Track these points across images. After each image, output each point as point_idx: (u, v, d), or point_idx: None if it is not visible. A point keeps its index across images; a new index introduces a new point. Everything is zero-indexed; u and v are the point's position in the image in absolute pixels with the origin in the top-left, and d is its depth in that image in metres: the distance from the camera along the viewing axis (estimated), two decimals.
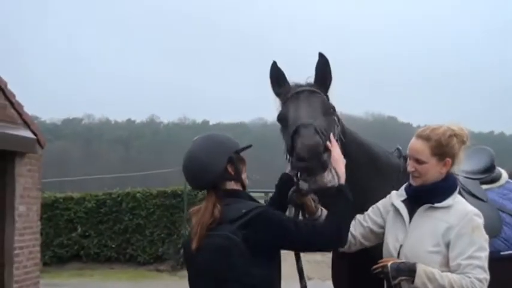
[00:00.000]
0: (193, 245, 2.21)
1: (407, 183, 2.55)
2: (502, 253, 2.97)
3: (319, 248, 2.29)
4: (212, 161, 2.28)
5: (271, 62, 2.55)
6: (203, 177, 2.30)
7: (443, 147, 2.40)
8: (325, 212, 2.47)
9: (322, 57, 2.50)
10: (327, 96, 2.55)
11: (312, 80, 2.56)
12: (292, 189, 2.39)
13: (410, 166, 2.42)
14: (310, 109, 2.40)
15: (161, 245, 11.33)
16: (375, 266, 2.33)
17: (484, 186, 3.35)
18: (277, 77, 2.57)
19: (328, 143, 2.31)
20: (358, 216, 2.60)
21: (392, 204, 2.52)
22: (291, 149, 2.32)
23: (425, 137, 2.42)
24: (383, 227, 2.53)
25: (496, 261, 2.87)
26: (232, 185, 2.33)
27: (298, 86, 2.53)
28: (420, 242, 2.33)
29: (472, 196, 3.15)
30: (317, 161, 2.17)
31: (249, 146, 2.46)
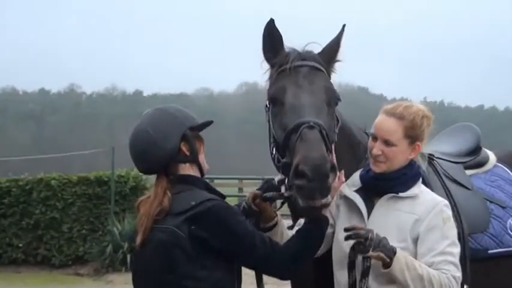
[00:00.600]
0: (138, 240, 2.24)
1: (361, 169, 2.56)
2: (489, 251, 3.00)
3: (266, 273, 2.30)
4: (162, 138, 2.29)
5: (268, 20, 2.46)
6: (151, 158, 2.30)
7: (416, 129, 2.43)
8: (283, 222, 2.48)
9: (342, 31, 2.52)
10: (330, 76, 2.54)
11: (309, 48, 2.54)
12: (270, 194, 2.36)
13: (377, 149, 2.41)
14: (315, 97, 2.35)
15: (82, 244, 11.13)
16: (349, 226, 2.28)
17: (469, 172, 3.40)
18: (272, 40, 2.50)
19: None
20: (302, 221, 2.56)
21: (343, 196, 2.52)
22: (282, 149, 2.29)
23: (398, 115, 2.42)
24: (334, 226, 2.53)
25: (482, 261, 2.92)
26: (186, 169, 2.34)
27: (298, 55, 2.47)
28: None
29: (455, 183, 3.19)
30: (323, 182, 2.11)
31: (210, 122, 2.45)
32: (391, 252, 2.22)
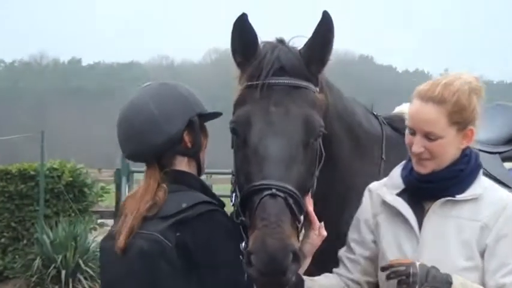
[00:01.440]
0: (120, 242, 2.30)
1: (401, 167, 2.57)
2: None
3: None
4: (166, 120, 2.37)
5: (239, 15, 2.44)
6: (148, 141, 2.36)
7: (464, 112, 2.41)
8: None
9: (326, 19, 2.45)
10: (317, 81, 2.51)
11: (296, 43, 2.54)
12: None
13: (417, 145, 2.40)
14: (287, 141, 2.34)
15: (1, 256, 11.04)
16: (391, 262, 2.30)
17: (508, 164, 3.43)
18: (243, 40, 2.48)
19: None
20: (342, 253, 2.64)
21: (384, 202, 2.52)
22: (242, 204, 2.32)
23: (437, 99, 2.39)
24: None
25: None
26: (184, 165, 2.43)
27: (273, 65, 2.43)
28: (445, 254, 2.34)
29: (491, 179, 3.20)
30: (278, 278, 2.15)
31: (219, 114, 2.56)
32: (445, 284, 2.22)
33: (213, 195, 2.44)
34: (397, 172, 2.58)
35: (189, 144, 2.43)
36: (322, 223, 2.47)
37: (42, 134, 11.31)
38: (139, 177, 15.55)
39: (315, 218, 2.42)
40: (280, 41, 2.55)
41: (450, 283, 2.22)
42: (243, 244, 2.32)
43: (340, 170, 2.70)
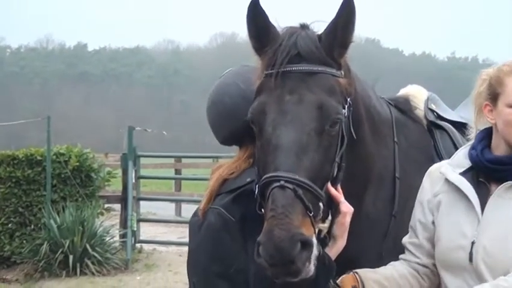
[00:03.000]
0: (201, 206, 2.43)
1: (469, 147, 2.59)
2: None
3: None
4: (254, 92, 2.43)
5: (249, 5, 2.42)
6: (243, 115, 2.42)
7: None
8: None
9: (348, 1, 2.42)
10: (339, 66, 2.49)
11: (318, 27, 2.50)
12: None
13: None
14: (299, 129, 2.33)
15: (8, 242, 11.09)
16: None
17: None
18: (257, 27, 2.47)
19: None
20: (405, 239, 2.67)
21: (446, 180, 2.55)
22: (261, 194, 2.33)
23: None
24: None
25: None
26: None
27: (289, 52, 2.41)
28: (506, 237, 2.33)
29: None
30: (287, 268, 2.16)
31: None
32: None
33: None
34: (463, 151, 2.61)
35: None
36: (342, 198, 2.46)
37: (49, 119, 11.26)
38: (146, 161, 15.63)
39: (339, 196, 2.40)
40: (303, 26, 2.52)
41: None
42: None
43: (361, 152, 2.69)
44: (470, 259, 2.38)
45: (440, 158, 3.08)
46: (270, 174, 2.24)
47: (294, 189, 2.21)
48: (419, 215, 2.64)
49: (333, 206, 2.41)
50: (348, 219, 2.43)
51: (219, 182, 2.44)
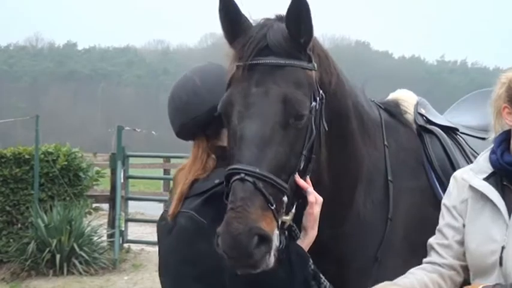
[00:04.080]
0: (171, 209, 2.44)
1: (489, 152, 2.59)
2: None
3: None
4: (208, 91, 2.53)
5: None
6: (193, 112, 2.51)
7: None
8: None
9: None
10: (310, 58, 2.48)
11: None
12: None
13: None
14: (262, 122, 2.33)
15: None
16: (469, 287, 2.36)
17: None
18: (229, 20, 2.47)
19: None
20: (432, 241, 2.65)
21: (470, 188, 2.56)
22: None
23: None
24: None
25: None
26: (225, 141, 2.51)
27: (258, 44, 2.41)
28: None
29: None
30: (244, 260, 2.17)
31: None
32: None
33: None
34: (484, 156, 2.61)
35: None
36: (310, 189, 2.45)
37: (37, 118, 11.25)
38: (135, 161, 15.60)
39: (306, 186, 2.39)
40: (278, 18, 2.52)
41: None
42: None
43: (351, 148, 2.72)
44: (501, 263, 2.39)
45: (430, 163, 3.11)
46: (232, 167, 2.25)
47: (254, 182, 2.21)
48: (448, 218, 2.64)
49: (301, 197, 2.42)
50: (317, 209, 2.43)
51: (187, 185, 2.44)
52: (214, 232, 2.20)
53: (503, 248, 2.40)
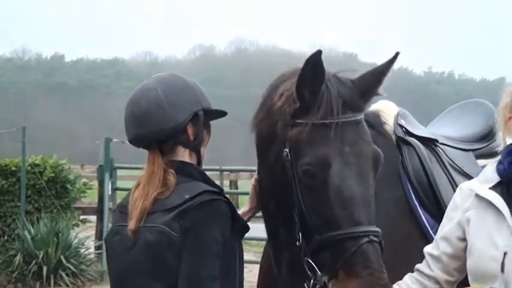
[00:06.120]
0: (130, 225, 2.37)
1: (496, 162, 2.62)
2: None
3: None
4: (171, 105, 2.43)
5: (314, 52, 2.41)
6: (152, 123, 2.42)
7: None
8: None
9: (395, 59, 2.54)
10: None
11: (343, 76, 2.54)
12: None
13: None
14: (367, 181, 2.40)
15: None
16: None
17: (481, 162, 3.47)
18: (313, 77, 2.44)
19: None
20: (426, 249, 2.68)
21: (476, 195, 2.58)
22: (321, 245, 2.35)
23: None
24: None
25: None
26: (186, 156, 2.48)
27: (340, 99, 2.43)
28: None
29: (464, 176, 3.28)
30: None
31: (224, 113, 2.61)
32: None
33: (213, 184, 2.49)
34: (491, 167, 2.63)
35: (191, 137, 2.48)
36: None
37: (24, 130, 11.23)
38: (122, 173, 15.52)
39: None
40: (334, 75, 2.54)
41: None
42: (312, 282, 2.37)
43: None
44: (502, 269, 2.41)
45: (407, 174, 3.13)
46: (357, 230, 2.29)
47: (380, 242, 2.30)
48: (446, 229, 2.66)
49: None
50: None
51: (149, 201, 2.37)
52: (182, 246, 2.26)
53: (505, 254, 2.42)
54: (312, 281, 2.36)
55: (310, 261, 2.36)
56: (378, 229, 2.32)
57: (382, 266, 2.27)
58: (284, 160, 2.43)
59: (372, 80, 2.52)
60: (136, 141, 2.53)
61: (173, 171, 2.40)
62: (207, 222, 2.31)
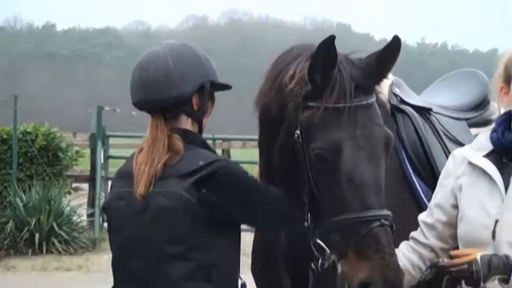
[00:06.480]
0: (139, 189, 2.36)
1: (490, 131, 2.62)
2: None
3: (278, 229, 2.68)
4: (180, 76, 2.45)
5: (327, 38, 2.38)
6: (160, 91, 2.44)
7: None
8: None
9: (397, 40, 2.45)
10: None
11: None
12: None
13: None
14: (379, 165, 2.39)
15: None
16: (453, 262, 2.39)
17: (474, 130, 3.49)
18: (326, 61, 2.41)
19: None
20: (421, 217, 2.71)
21: (469, 163, 2.58)
22: (332, 229, 2.35)
23: None
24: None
25: None
26: (187, 124, 2.51)
27: (352, 82, 2.40)
28: None
29: (457, 144, 3.29)
30: None
31: (229, 87, 2.63)
32: (508, 269, 2.32)
33: (213, 151, 2.55)
34: (484, 135, 2.64)
35: (195, 107, 2.50)
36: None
37: (15, 98, 11.20)
38: (115, 141, 15.51)
39: None
40: (345, 57, 2.52)
41: (511, 266, 2.32)
42: (321, 261, 2.40)
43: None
44: (493, 237, 2.43)
45: (401, 142, 3.14)
46: (367, 214, 2.30)
47: (391, 225, 2.32)
48: (439, 196, 2.68)
49: None
50: None
51: (159, 166, 2.38)
52: (200, 212, 2.30)
53: (497, 221, 2.44)
54: (320, 260, 2.38)
55: (319, 242, 2.36)
56: (389, 213, 2.33)
57: (393, 249, 2.29)
58: (295, 142, 2.41)
59: (383, 62, 2.49)
60: (140, 105, 2.55)
61: (179, 137, 2.42)
62: (232, 175, 2.39)
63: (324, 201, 2.37)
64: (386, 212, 2.33)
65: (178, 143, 2.41)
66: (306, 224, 2.40)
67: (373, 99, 2.47)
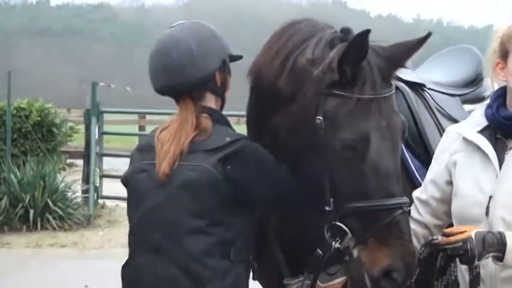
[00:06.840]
0: (163, 167, 2.40)
1: (484, 107, 2.61)
2: None
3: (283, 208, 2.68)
4: (202, 57, 2.48)
5: (363, 31, 2.36)
6: (184, 76, 2.46)
7: None
8: None
9: (429, 36, 2.47)
10: None
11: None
12: None
13: None
14: (398, 154, 2.46)
15: None
16: (447, 240, 2.39)
17: (467, 107, 3.50)
18: (357, 54, 2.39)
19: None
20: (415, 193, 2.72)
21: (463, 139, 2.58)
22: (354, 216, 2.38)
23: None
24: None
25: None
26: (211, 101, 2.56)
27: (379, 74, 2.41)
28: None
29: (450, 120, 3.30)
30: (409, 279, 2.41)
31: (240, 57, 2.68)
32: (502, 246, 2.31)
33: (232, 128, 2.60)
34: (479, 111, 2.63)
35: (218, 84, 2.55)
36: None
37: (9, 74, 11.14)
38: (109, 117, 15.49)
39: None
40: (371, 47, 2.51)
41: (505, 244, 2.31)
42: (336, 244, 2.41)
43: None
44: (487, 213, 2.43)
45: None
46: (389, 202, 2.35)
47: (409, 211, 2.42)
48: (433, 173, 2.68)
49: None
50: None
51: (186, 144, 2.42)
52: (226, 188, 2.36)
53: (490, 197, 2.44)
54: (333, 243, 2.40)
55: (340, 224, 2.38)
56: (408, 200, 2.39)
57: (411, 236, 2.38)
58: (317, 128, 2.40)
59: (403, 55, 2.49)
60: (166, 91, 2.57)
61: (207, 116, 2.48)
62: (256, 154, 2.45)
63: (344, 187, 2.39)
64: (406, 199, 2.39)
65: (207, 122, 2.47)
66: (327, 208, 2.41)
67: (394, 89, 2.50)
